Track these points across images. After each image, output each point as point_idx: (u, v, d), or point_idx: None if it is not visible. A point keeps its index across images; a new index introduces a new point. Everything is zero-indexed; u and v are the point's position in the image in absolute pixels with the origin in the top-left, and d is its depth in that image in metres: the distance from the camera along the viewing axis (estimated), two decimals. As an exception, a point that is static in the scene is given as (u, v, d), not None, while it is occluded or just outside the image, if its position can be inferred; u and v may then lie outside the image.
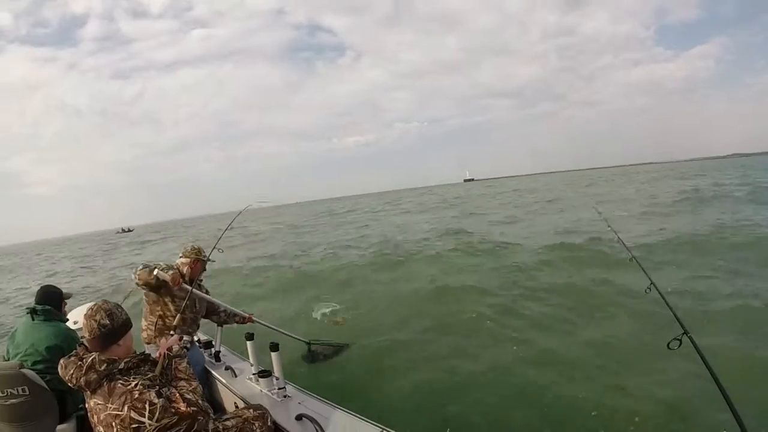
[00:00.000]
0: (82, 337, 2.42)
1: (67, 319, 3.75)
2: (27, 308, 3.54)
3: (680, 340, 2.04)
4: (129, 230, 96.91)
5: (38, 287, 3.79)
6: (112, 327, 2.26)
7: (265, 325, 4.63)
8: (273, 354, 3.32)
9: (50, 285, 3.82)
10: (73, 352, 2.26)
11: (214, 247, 4.58)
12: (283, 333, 4.84)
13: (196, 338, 4.05)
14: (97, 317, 2.24)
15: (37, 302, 3.57)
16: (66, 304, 3.83)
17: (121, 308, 2.39)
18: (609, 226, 4.40)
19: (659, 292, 2.54)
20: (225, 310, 4.39)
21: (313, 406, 3.04)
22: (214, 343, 4.11)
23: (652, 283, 2.68)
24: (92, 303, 2.34)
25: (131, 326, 2.39)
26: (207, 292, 4.29)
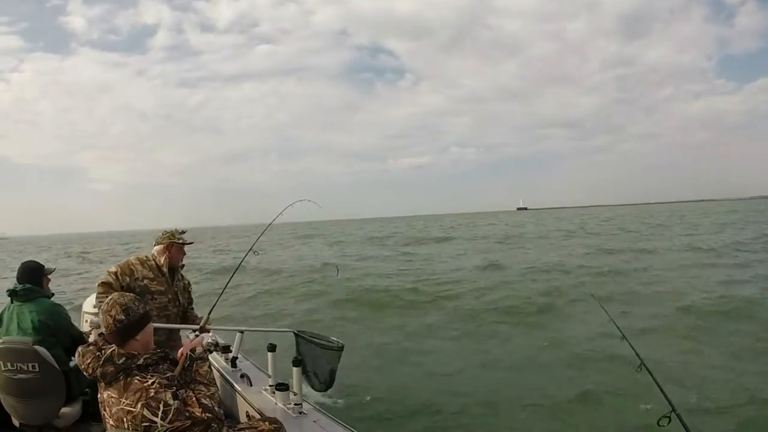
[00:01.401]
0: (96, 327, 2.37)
1: (52, 294, 3.67)
2: (7, 291, 3.46)
3: (669, 417, 2.08)
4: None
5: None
6: (128, 323, 2.18)
7: (222, 329, 4.28)
8: (294, 369, 3.20)
9: (30, 260, 3.70)
10: (92, 341, 2.21)
11: (250, 249, 4.40)
12: (260, 330, 4.33)
13: (213, 341, 3.89)
14: (113, 312, 2.17)
15: (18, 280, 3.48)
16: (49, 280, 3.72)
17: (138, 301, 2.30)
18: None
19: (648, 371, 2.42)
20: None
21: (329, 426, 2.92)
22: (232, 348, 3.91)
23: (641, 363, 2.53)
24: (109, 297, 2.27)
25: (149, 320, 2.31)
26: (189, 284, 4.01)
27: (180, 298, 3.80)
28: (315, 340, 3.64)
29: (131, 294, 2.44)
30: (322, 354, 3.57)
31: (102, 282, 3.43)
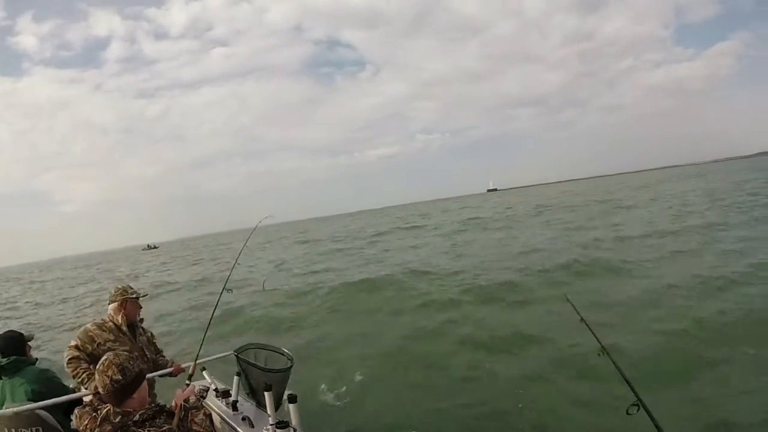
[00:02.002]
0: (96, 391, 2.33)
1: (36, 359, 3.67)
2: None
3: (637, 406, 2.17)
4: (155, 247, 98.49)
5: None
6: (126, 382, 2.22)
7: (196, 363, 4.14)
8: (291, 405, 3.24)
9: (10, 330, 3.70)
10: (88, 402, 2.24)
11: (223, 288, 4.47)
12: (213, 359, 4.28)
13: (213, 387, 3.88)
14: (109, 373, 2.20)
15: (0, 353, 3.45)
16: (30, 347, 3.72)
17: (133, 359, 2.33)
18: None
19: (611, 359, 2.48)
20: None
21: None
22: (231, 392, 3.88)
23: (603, 348, 2.61)
24: (104, 356, 2.30)
25: (145, 376, 2.35)
26: (152, 335, 4.03)
27: (147, 352, 3.82)
28: (257, 364, 3.69)
29: (124, 352, 2.45)
30: (264, 375, 3.61)
31: (69, 359, 3.47)
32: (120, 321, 3.70)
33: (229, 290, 4.66)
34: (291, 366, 3.72)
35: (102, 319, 3.73)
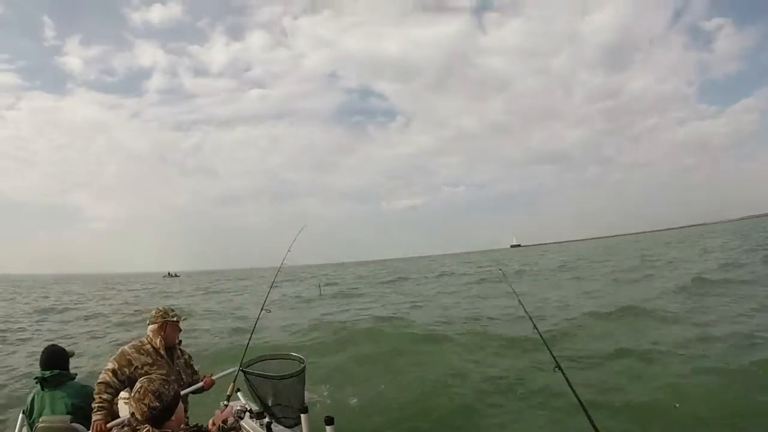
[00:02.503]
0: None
1: (75, 375, 3.77)
2: (35, 378, 3.57)
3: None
4: (175, 275, 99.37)
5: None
6: (163, 407, 2.24)
7: (225, 375, 4.08)
8: (328, 427, 3.19)
9: (53, 345, 3.83)
10: (126, 421, 2.30)
11: (262, 308, 4.52)
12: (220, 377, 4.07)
13: (247, 408, 3.75)
14: (146, 401, 2.22)
15: (44, 366, 3.57)
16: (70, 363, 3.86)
17: (168, 383, 2.35)
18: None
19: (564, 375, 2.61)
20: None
21: None
22: (266, 414, 3.79)
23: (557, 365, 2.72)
24: (138, 384, 2.31)
25: (180, 397, 2.37)
26: (189, 357, 3.96)
27: (183, 375, 3.77)
28: (266, 374, 3.62)
29: (158, 376, 2.46)
30: (278, 384, 3.55)
31: (99, 382, 3.38)
32: (158, 344, 3.67)
33: (268, 310, 4.70)
34: (304, 367, 3.67)
35: (140, 341, 3.70)
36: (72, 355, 3.88)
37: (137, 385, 2.31)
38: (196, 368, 3.97)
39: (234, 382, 3.80)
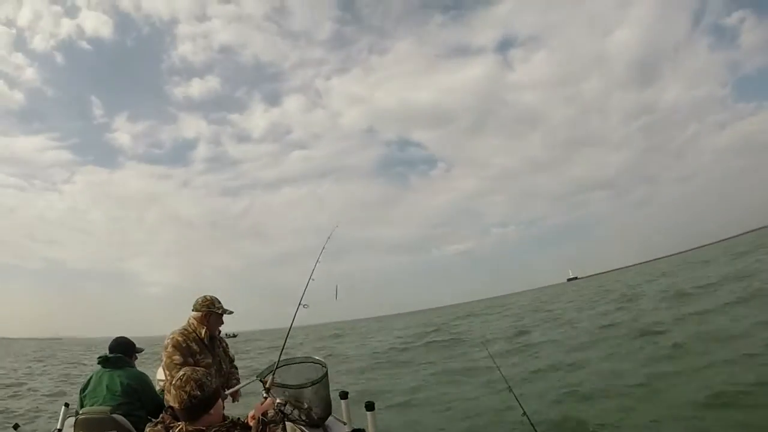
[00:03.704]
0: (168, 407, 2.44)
1: (135, 367, 3.90)
2: (99, 357, 3.76)
3: None
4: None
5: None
6: (203, 397, 2.16)
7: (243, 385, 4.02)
8: (368, 413, 3.19)
9: (123, 336, 4.06)
10: (160, 418, 2.22)
11: (299, 303, 4.18)
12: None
13: (283, 401, 3.82)
14: (187, 388, 2.14)
15: (110, 351, 3.82)
16: (136, 357, 4.04)
17: (210, 375, 2.30)
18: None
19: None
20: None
21: None
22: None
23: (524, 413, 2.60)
24: (181, 372, 2.28)
25: (221, 393, 2.34)
26: (227, 346, 4.02)
27: (223, 365, 3.84)
28: (284, 383, 3.51)
29: (201, 368, 2.42)
30: (297, 392, 3.47)
31: (174, 364, 3.44)
32: (203, 334, 3.69)
33: (305, 305, 4.53)
34: (326, 372, 3.59)
35: (185, 328, 3.71)
36: (141, 351, 4.10)
37: (180, 372, 2.25)
38: (232, 356, 4.06)
39: (273, 373, 3.67)
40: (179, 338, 3.60)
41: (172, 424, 2.15)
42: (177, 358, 3.49)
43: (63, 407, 4.11)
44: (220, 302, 3.80)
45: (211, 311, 3.71)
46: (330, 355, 19.23)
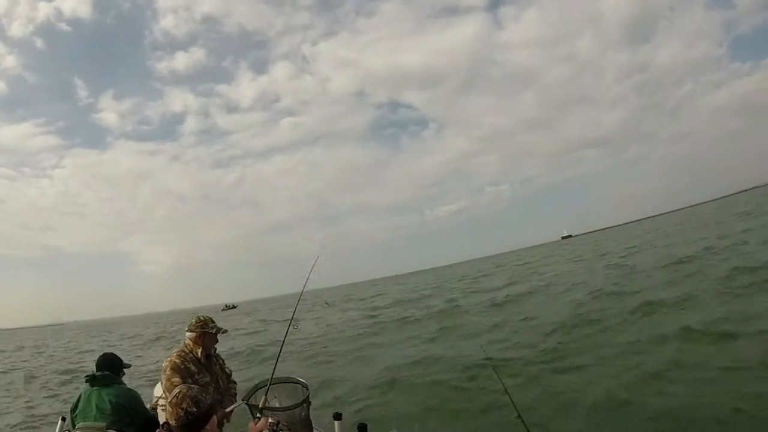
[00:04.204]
0: (164, 423, 2.47)
1: (124, 383, 3.94)
2: (86, 376, 3.79)
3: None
4: (233, 306, 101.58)
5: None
6: (199, 414, 2.24)
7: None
8: (336, 423, 3.32)
9: (110, 352, 4.07)
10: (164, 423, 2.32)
11: (290, 324, 4.36)
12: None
13: (276, 419, 3.75)
14: (184, 405, 2.23)
15: (98, 368, 3.81)
16: (124, 373, 4.05)
17: (204, 392, 2.39)
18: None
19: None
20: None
21: None
22: None
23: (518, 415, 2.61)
24: (177, 390, 2.36)
25: (216, 410, 2.41)
26: (224, 362, 4.10)
27: (220, 382, 3.90)
28: (272, 407, 3.44)
29: (195, 386, 2.53)
30: (285, 414, 3.48)
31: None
32: (199, 354, 3.80)
33: (295, 326, 4.64)
34: (308, 395, 3.63)
35: (182, 350, 3.83)
36: (128, 366, 4.09)
37: (175, 390, 2.34)
38: (229, 371, 4.11)
39: (266, 394, 3.70)
40: (177, 360, 3.74)
41: None
42: (176, 380, 3.54)
43: (60, 421, 4.15)
44: (213, 321, 3.89)
45: (205, 332, 3.81)
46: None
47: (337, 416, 3.62)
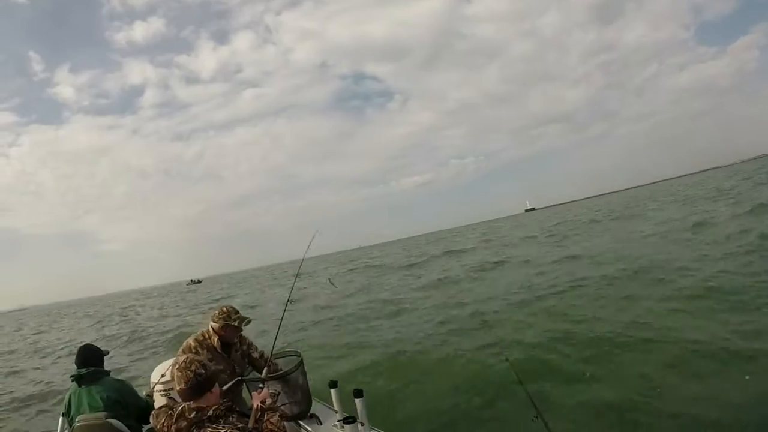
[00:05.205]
0: (169, 390, 2.79)
1: (109, 371, 3.85)
2: (71, 376, 3.66)
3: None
4: (198, 281, 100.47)
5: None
6: (208, 375, 2.38)
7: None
8: (357, 400, 3.28)
9: (88, 344, 3.94)
10: (164, 404, 2.37)
11: (285, 309, 4.44)
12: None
13: (278, 391, 3.86)
14: (192, 368, 2.35)
15: (80, 365, 3.68)
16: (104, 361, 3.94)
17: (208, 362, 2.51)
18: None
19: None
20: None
21: None
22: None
23: (538, 413, 2.56)
24: (182, 357, 2.47)
25: (219, 377, 2.57)
26: (250, 346, 4.04)
27: (237, 368, 3.88)
28: (263, 378, 3.49)
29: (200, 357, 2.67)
30: (280, 383, 3.62)
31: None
32: (215, 343, 3.81)
33: (292, 301, 4.75)
34: (301, 359, 3.76)
35: (202, 334, 3.87)
36: (106, 354, 3.99)
37: (182, 357, 2.47)
38: (258, 354, 4.04)
39: (267, 365, 3.81)
40: (192, 344, 3.78)
41: (174, 405, 2.29)
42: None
43: (61, 417, 3.99)
44: (237, 313, 3.87)
45: (227, 323, 3.80)
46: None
47: (333, 384, 3.69)
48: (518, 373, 3.06)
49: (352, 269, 38.04)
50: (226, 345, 3.87)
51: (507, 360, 6.41)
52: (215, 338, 3.80)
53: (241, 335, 3.99)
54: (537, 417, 2.53)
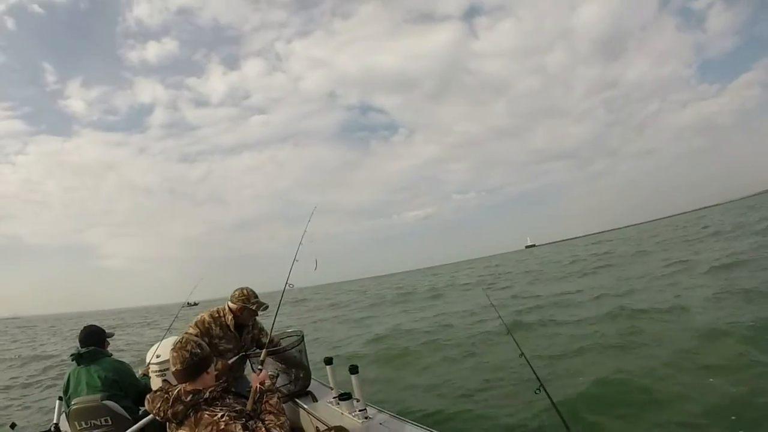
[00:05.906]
0: (164, 370, 2.58)
1: (111, 354, 3.86)
2: (71, 354, 3.67)
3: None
4: (195, 304, 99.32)
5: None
6: (204, 355, 2.33)
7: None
8: (353, 376, 3.31)
9: (92, 324, 3.95)
10: (159, 387, 2.32)
11: (286, 283, 4.36)
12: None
13: (276, 372, 3.88)
14: (188, 347, 2.31)
15: (82, 344, 3.70)
16: (108, 343, 3.96)
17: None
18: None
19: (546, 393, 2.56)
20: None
21: (396, 426, 3.01)
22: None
23: (541, 385, 2.62)
24: (177, 338, 2.50)
25: (214, 359, 2.46)
26: (260, 330, 4.06)
27: (244, 352, 3.88)
28: (261, 351, 3.48)
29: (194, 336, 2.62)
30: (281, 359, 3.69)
31: None
32: (229, 321, 3.76)
33: (291, 285, 4.67)
34: (302, 335, 3.86)
35: (218, 310, 3.83)
36: (111, 335, 4.00)
37: (177, 338, 2.46)
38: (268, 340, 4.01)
39: (265, 348, 3.68)
40: (206, 317, 3.73)
41: (170, 389, 2.25)
42: (192, 332, 3.64)
43: (57, 401, 4.03)
44: (256, 297, 3.82)
45: (245, 306, 3.76)
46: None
47: (328, 361, 3.71)
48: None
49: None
50: (240, 326, 3.84)
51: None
52: (230, 317, 3.76)
53: (255, 319, 3.99)
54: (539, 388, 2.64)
